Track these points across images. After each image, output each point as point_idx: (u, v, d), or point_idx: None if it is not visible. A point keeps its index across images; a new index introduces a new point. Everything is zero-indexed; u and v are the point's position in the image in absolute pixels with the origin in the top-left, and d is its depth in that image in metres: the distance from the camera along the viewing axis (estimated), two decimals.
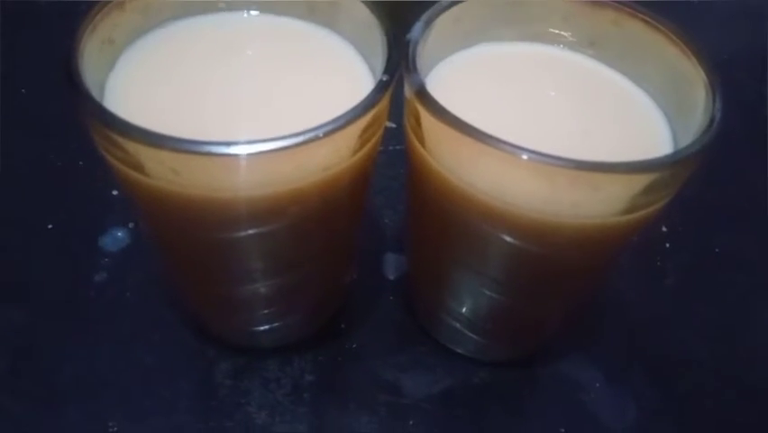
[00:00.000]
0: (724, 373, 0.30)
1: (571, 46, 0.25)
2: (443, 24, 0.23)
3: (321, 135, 0.18)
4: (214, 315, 0.29)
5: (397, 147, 0.33)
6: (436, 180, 0.21)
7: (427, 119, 0.19)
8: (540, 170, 0.18)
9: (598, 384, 0.29)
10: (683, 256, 0.35)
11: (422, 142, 0.21)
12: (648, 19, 0.23)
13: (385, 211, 0.36)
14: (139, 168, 0.19)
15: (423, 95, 0.19)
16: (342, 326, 0.31)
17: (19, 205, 0.34)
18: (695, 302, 0.33)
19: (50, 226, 0.33)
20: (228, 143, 0.17)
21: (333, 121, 0.18)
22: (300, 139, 0.17)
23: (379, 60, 0.21)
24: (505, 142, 0.18)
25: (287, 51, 0.24)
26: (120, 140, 0.18)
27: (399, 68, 0.20)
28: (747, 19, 0.50)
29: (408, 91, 0.20)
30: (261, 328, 0.29)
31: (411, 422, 0.28)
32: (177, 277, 0.27)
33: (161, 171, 0.18)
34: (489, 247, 0.22)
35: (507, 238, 0.21)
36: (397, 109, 0.22)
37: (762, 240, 0.36)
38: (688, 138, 0.20)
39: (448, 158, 0.20)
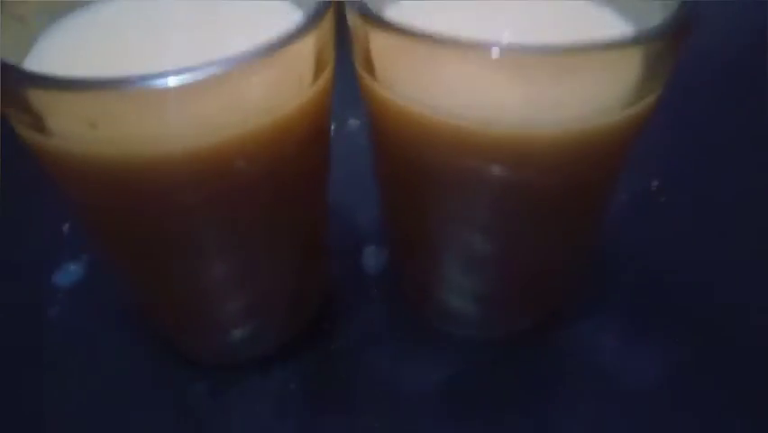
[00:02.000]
0: (743, 320, 0.28)
1: None
2: None
3: (263, 55, 0.15)
4: (183, 327, 0.25)
5: (363, 143, 0.31)
6: (398, 118, 0.19)
7: (377, 41, 0.17)
8: (514, 65, 0.16)
9: (615, 345, 0.27)
10: (681, 209, 0.33)
11: (374, 74, 0.18)
12: None
13: (357, 207, 0.33)
14: (52, 131, 0.16)
15: (367, 15, 0.17)
16: (325, 326, 0.28)
17: None
18: (702, 250, 0.31)
19: None
20: (157, 75, 0.15)
21: (277, 40, 0.16)
22: (241, 61, 0.15)
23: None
24: (468, 42, 0.16)
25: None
26: (32, 96, 0.15)
27: None
28: None
29: (353, 19, 0.18)
30: (235, 335, 0.25)
31: (416, 416, 0.25)
32: (135, 287, 0.24)
33: (76, 128, 0.16)
34: (468, 187, 0.20)
35: (485, 168, 0.18)
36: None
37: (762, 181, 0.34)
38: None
39: (406, 83, 0.18)
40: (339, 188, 0.25)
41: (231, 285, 0.23)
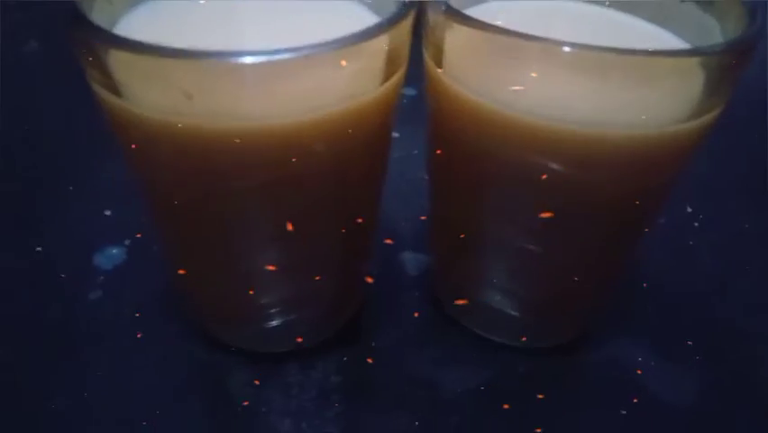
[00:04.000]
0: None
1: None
2: None
3: (348, 44, 0.16)
4: (225, 313, 0.26)
5: (404, 153, 0.31)
6: (468, 113, 0.19)
7: (458, 37, 0.18)
8: (589, 62, 0.16)
9: (652, 363, 0.27)
10: (713, 234, 0.33)
11: (445, 67, 0.19)
12: None
13: (400, 214, 0.34)
14: (144, 103, 0.17)
15: (450, 11, 0.18)
16: (366, 324, 0.28)
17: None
18: (732, 275, 0.31)
19: (38, 249, 0.31)
20: (253, 52, 0.15)
21: (361, 33, 0.17)
22: (327, 48, 0.16)
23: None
24: (549, 39, 0.16)
25: None
26: (131, 62, 0.16)
27: None
28: None
29: (435, 16, 0.19)
30: (277, 324, 0.26)
31: (454, 419, 0.25)
32: (183, 267, 0.24)
33: (171, 98, 0.16)
34: (528, 185, 0.20)
35: (548, 166, 0.19)
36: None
37: None
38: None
39: (482, 79, 0.19)
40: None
41: (279, 274, 0.23)
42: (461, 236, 0.24)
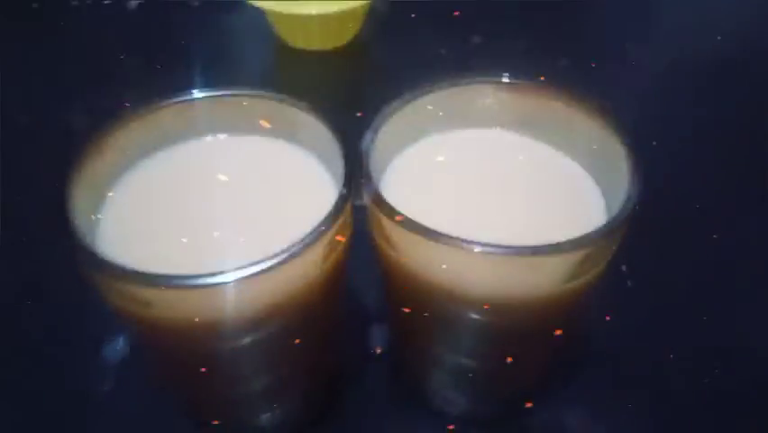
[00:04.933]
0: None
1: (507, 127, 0.28)
2: (391, 127, 0.26)
3: (283, 260, 0.20)
4: (212, 414, 0.30)
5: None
6: (404, 271, 0.23)
7: (386, 222, 0.22)
8: (487, 258, 0.20)
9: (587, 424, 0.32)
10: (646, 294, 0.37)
11: (386, 240, 0.23)
12: (572, 97, 0.26)
13: (368, 288, 0.38)
14: (119, 301, 0.21)
15: (379, 202, 0.22)
16: (338, 403, 0.33)
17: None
18: (670, 334, 0.35)
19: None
20: (199, 276, 0.19)
21: (293, 246, 0.20)
22: (267, 265, 0.20)
23: (340, 167, 0.24)
24: (456, 238, 0.20)
25: (256, 170, 0.27)
26: (100, 278, 0.20)
27: (356, 178, 0.23)
28: None
29: (366, 198, 0.23)
30: (262, 419, 0.30)
31: None
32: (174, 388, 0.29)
33: (133, 305, 0.21)
34: (457, 324, 0.25)
35: (470, 315, 0.23)
36: None
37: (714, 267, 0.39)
38: (617, 207, 0.23)
39: (409, 253, 0.23)
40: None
41: (258, 393, 0.28)
42: (411, 343, 0.29)
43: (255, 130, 0.28)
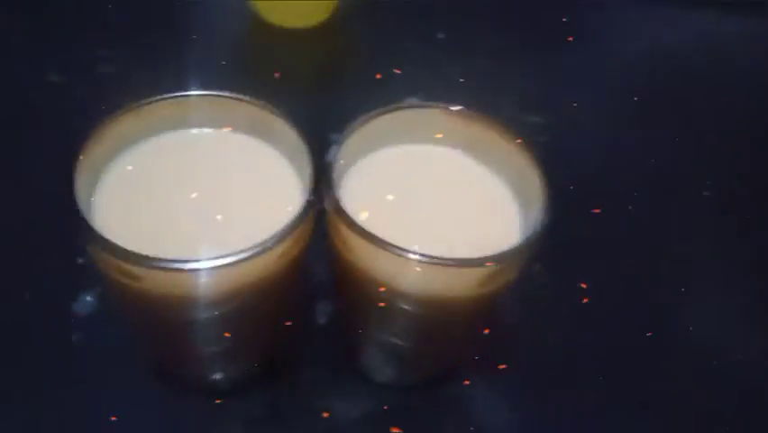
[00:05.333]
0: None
1: (451, 146, 0.34)
2: (354, 141, 0.31)
3: (250, 255, 0.24)
4: (180, 366, 0.35)
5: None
6: (350, 267, 0.29)
7: (343, 229, 0.27)
8: (419, 265, 0.26)
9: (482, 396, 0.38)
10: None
11: (342, 242, 0.28)
12: (499, 128, 0.31)
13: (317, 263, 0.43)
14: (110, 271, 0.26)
15: (339, 211, 0.27)
16: (280, 367, 0.38)
17: None
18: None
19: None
20: (180, 261, 0.24)
21: (261, 244, 0.25)
22: (236, 258, 0.24)
23: (306, 167, 0.28)
24: (396, 247, 0.25)
25: (232, 162, 0.31)
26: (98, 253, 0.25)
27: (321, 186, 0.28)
28: None
29: (328, 205, 0.28)
30: (217, 375, 0.35)
31: None
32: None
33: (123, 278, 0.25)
34: (393, 312, 0.30)
35: (405, 307, 0.29)
36: None
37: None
38: (531, 225, 0.29)
39: (359, 254, 0.28)
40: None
41: (220, 352, 0.33)
42: (354, 319, 0.34)
43: (236, 127, 0.32)
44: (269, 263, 0.26)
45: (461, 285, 0.27)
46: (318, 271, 0.42)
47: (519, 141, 0.31)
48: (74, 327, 0.38)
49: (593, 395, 0.39)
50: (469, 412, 0.37)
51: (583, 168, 0.48)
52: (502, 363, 0.39)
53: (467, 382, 0.38)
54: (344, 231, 0.27)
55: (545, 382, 0.39)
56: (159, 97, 0.30)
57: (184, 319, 0.28)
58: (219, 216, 0.29)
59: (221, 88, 0.31)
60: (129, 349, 0.37)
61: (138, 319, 0.31)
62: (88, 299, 0.39)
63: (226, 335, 0.30)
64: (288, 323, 0.37)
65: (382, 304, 0.29)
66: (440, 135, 0.33)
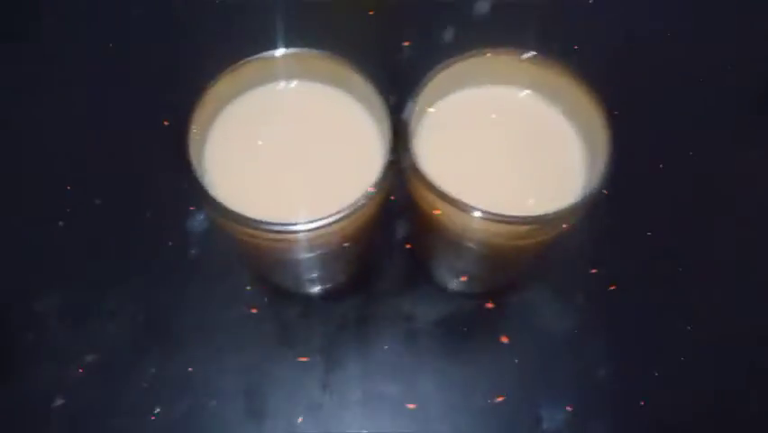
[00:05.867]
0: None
1: (521, 87, 0.35)
2: (430, 89, 0.33)
3: (343, 216, 0.29)
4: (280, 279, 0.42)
5: None
6: (426, 214, 0.32)
7: (420, 185, 0.31)
8: (482, 219, 0.29)
9: (548, 305, 0.43)
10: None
11: (419, 195, 0.32)
12: (568, 71, 0.33)
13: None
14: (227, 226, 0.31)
15: (415, 171, 0.30)
16: (368, 278, 0.44)
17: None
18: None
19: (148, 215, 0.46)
20: (283, 224, 0.29)
21: (352, 205, 0.29)
22: (331, 219, 0.29)
23: (386, 125, 0.32)
24: (466, 204, 0.29)
25: (317, 113, 0.35)
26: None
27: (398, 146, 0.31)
28: None
29: (405, 162, 0.31)
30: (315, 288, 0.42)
31: (422, 339, 0.42)
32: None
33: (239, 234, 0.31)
34: (462, 248, 0.34)
35: (467, 244, 0.33)
36: None
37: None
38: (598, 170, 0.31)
39: (433, 206, 0.31)
40: None
41: (318, 276, 0.39)
42: (429, 246, 0.39)
43: (321, 79, 0.35)
44: (359, 217, 0.31)
45: (521, 236, 0.31)
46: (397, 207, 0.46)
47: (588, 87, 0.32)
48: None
49: (647, 302, 0.43)
50: (529, 316, 0.42)
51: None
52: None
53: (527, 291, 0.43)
54: (420, 187, 0.31)
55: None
56: (251, 58, 0.33)
57: (287, 258, 0.34)
58: (306, 165, 0.33)
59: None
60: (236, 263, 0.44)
61: (246, 252, 0.37)
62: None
63: (321, 264, 0.36)
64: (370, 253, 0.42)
65: (449, 240, 0.34)
66: (512, 79, 0.35)
